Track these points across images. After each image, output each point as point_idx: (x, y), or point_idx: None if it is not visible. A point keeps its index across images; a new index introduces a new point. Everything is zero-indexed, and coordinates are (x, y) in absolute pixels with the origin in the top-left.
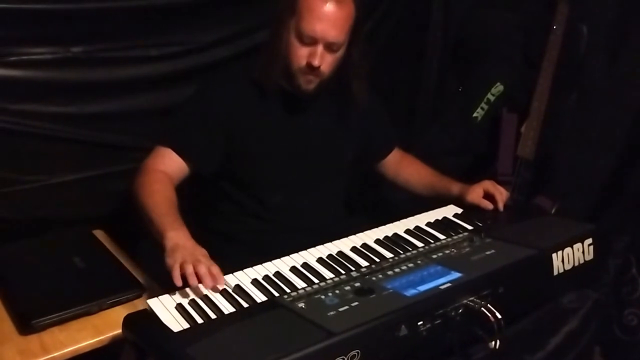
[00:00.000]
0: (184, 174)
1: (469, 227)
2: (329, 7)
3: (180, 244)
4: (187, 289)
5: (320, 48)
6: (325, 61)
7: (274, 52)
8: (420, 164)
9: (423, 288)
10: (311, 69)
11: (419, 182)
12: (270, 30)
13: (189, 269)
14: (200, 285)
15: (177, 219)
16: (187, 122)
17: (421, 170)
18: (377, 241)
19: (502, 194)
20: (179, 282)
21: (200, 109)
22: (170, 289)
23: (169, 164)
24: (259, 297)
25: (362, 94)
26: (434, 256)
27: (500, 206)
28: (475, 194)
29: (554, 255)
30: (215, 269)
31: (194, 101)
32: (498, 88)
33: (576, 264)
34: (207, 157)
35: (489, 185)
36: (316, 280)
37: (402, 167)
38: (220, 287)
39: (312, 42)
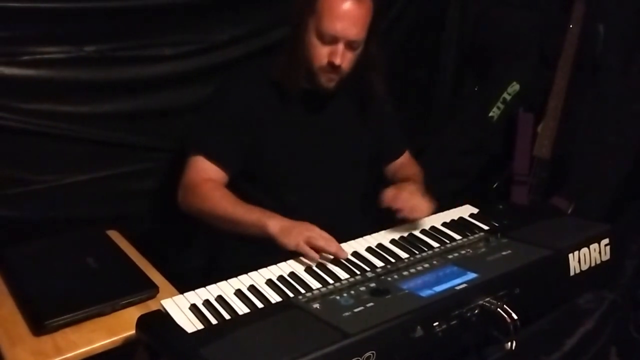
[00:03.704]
0: (225, 180)
1: (485, 227)
2: (349, 6)
3: (286, 225)
4: (200, 290)
5: (341, 46)
6: (345, 59)
7: (295, 53)
8: (414, 168)
9: (439, 289)
10: (333, 67)
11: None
12: (290, 31)
13: (321, 242)
14: (218, 285)
15: (263, 209)
16: (213, 128)
17: (407, 173)
18: (393, 241)
19: (404, 202)
20: (316, 256)
21: (222, 112)
22: (184, 289)
23: (211, 174)
24: (274, 298)
25: (381, 87)
26: (450, 256)
27: (402, 214)
28: (384, 197)
29: (570, 255)
30: (326, 240)
31: (214, 105)
32: (514, 87)
33: (592, 264)
34: (238, 159)
35: (394, 191)
36: (331, 281)
37: (399, 172)
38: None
39: (333, 41)
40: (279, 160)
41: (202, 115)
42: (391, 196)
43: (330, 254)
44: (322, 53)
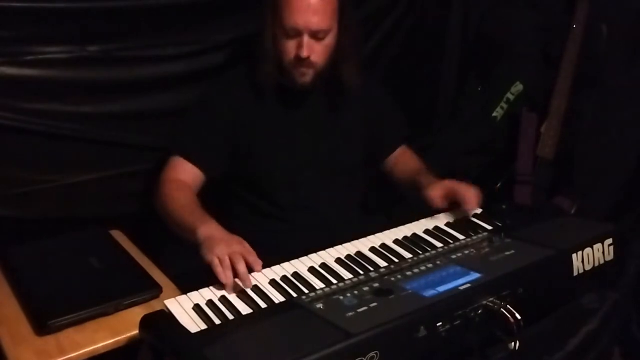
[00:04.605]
0: (201, 181)
1: (489, 228)
2: None
3: (215, 235)
4: (203, 290)
5: (306, 38)
6: (314, 51)
7: (264, 52)
8: (415, 161)
9: (442, 289)
10: (300, 60)
11: (404, 179)
12: (258, 32)
13: (226, 262)
14: (216, 287)
15: (204, 214)
16: (194, 129)
17: (411, 167)
18: (396, 241)
19: (471, 194)
20: (224, 280)
21: (205, 114)
22: (188, 289)
23: (183, 174)
24: (277, 298)
25: (353, 79)
26: (454, 257)
27: (471, 208)
28: (434, 199)
29: (573, 255)
30: (253, 257)
31: (198, 107)
32: (518, 87)
33: (596, 264)
34: (218, 161)
35: (450, 184)
36: (335, 281)
37: (398, 165)
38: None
39: (296, 34)
40: (267, 161)
41: (185, 118)
42: (440, 195)
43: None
44: (289, 48)
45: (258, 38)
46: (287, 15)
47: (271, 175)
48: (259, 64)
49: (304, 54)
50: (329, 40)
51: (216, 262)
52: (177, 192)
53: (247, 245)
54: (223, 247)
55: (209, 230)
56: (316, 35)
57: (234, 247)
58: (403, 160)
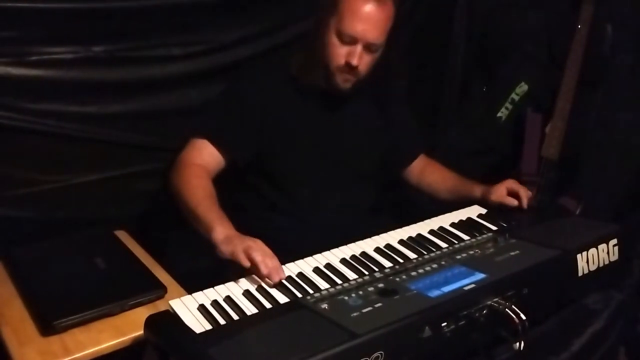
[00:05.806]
0: (220, 166)
1: (493, 228)
2: (371, 8)
3: (232, 235)
4: (208, 290)
5: (359, 48)
6: (363, 61)
7: (313, 50)
8: (444, 168)
9: (447, 289)
10: (350, 68)
11: (443, 187)
12: (312, 29)
13: (258, 257)
14: (226, 285)
15: (222, 213)
16: (222, 113)
17: (444, 175)
18: (401, 242)
19: (526, 192)
20: (247, 263)
21: (235, 100)
22: (192, 289)
23: (205, 157)
24: (282, 298)
25: (403, 93)
26: (458, 257)
27: (524, 203)
28: (499, 192)
29: (578, 256)
30: (275, 261)
31: (229, 92)
32: (522, 88)
33: (601, 264)
34: (243, 147)
35: (511, 183)
36: (339, 281)
37: (426, 173)
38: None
39: (352, 41)
40: (289, 153)
41: (215, 102)
42: (504, 194)
43: (262, 274)
44: (340, 53)
45: (309, 37)
46: (348, 21)
47: (294, 171)
48: (303, 62)
49: (355, 62)
50: (377, 54)
51: (242, 256)
52: (195, 180)
53: (262, 244)
54: (248, 242)
55: (226, 231)
56: (369, 47)
57: (253, 241)
58: (433, 170)
